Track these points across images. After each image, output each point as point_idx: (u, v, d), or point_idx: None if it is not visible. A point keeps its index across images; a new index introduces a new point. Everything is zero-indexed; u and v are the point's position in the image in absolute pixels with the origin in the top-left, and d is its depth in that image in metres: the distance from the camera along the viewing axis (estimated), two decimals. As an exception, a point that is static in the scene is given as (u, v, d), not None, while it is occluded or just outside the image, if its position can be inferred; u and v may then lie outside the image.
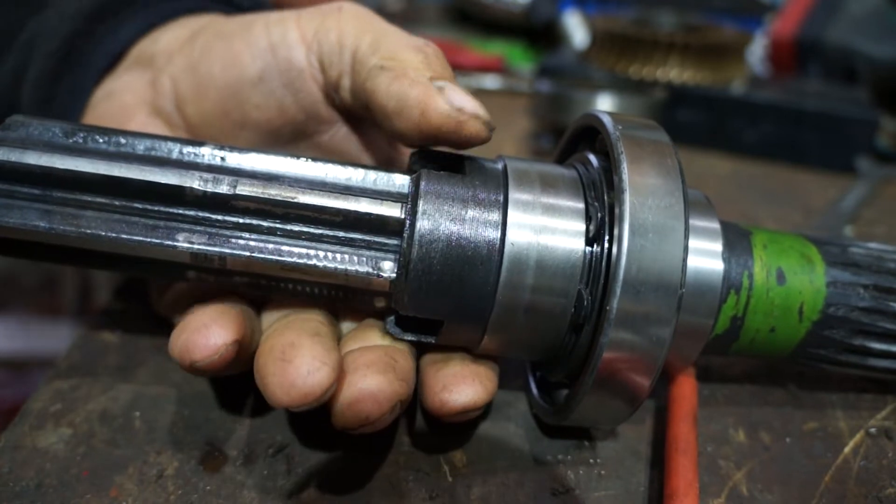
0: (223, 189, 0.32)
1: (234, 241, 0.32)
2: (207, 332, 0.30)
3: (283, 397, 0.27)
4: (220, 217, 0.32)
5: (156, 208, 0.32)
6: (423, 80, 0.33)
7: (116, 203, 0.32)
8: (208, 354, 0.29)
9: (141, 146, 0.33)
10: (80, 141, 0.33)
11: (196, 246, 0.31)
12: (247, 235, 0.32)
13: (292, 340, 0.29)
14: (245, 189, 0.32)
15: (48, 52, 0.39)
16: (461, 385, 0.33)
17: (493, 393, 0.33)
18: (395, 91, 0.33)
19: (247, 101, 0.37)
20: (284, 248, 0.32)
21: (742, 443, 0.38)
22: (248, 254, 0.31)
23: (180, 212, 0.32)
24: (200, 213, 0.32)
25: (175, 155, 0.33)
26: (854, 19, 0.88)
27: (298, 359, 0.28)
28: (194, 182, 0.31)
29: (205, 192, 0.31)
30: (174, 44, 0.39)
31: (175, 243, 0.31)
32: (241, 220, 0.32)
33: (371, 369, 0.30)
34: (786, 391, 0.42)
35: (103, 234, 0.31)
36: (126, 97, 0.39)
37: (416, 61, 0.34)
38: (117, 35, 0.40)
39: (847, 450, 0.38)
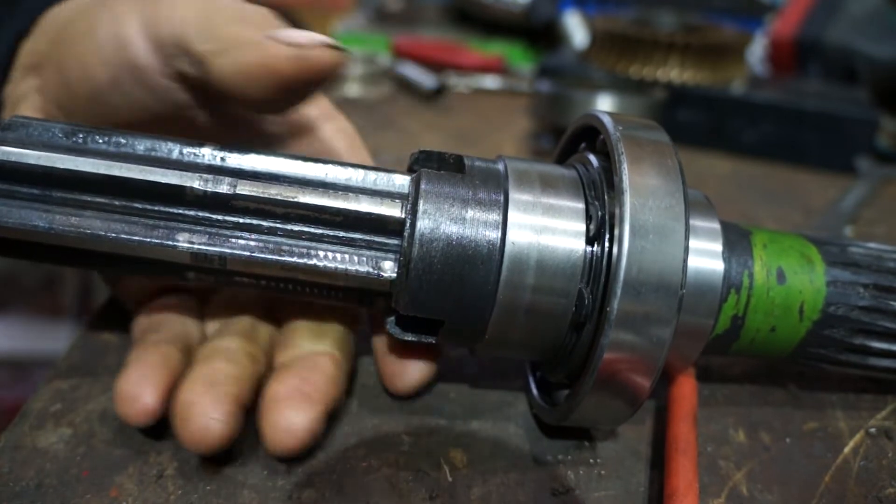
0: (223, 189, 0.32)
1: (234, 240, 0.32)
2: (136, 402, 0.32)
3: (195, 450, 0.32)
4: (220, 217, 0.32)
5: (156, 208, 0.32)
6: (256, 41, 0.33)
7: (116, 203, 0.32)
8: (143, 420, 0.33)
9: (141, 146, 0.33)
10: (80, 141, 0.33)
11: (196, 246, 0.31)
12: (247, 235, 0.32)
13: (189, 398, 0.32)
14: (245, 189, 0.32)
15: None
16: (408, 371, 0.37)
17: (436, 367, 0.38)
18: (237, 65, 0.32)
19: (112, 104, 0.36)
20: (284, 247, 0.32)
21: (742, 443, 0.38)
22: (248, 254, 0.31)
23: (180, 212, 0.32)
24: (201, 213, 0.32)
25: (175, 155, 0.33)
26: (854, 19, 0.88)
27: (192, 418, 0.31)
28: (194, 182, 0.31)
29: (205, 191, 0.31)
30: (49, 47, 0.38)
31: (175, 243, 0.31)
32: (241, 220, 0.32)
33: (283, 404, 0.32)
34: (786, 391, 0.42)
35: (103, 234, 0.31)
36: (24, 106, 0.39)
37: (243, 30, 0.33)
38: None
39: (847, 450, 0.38)
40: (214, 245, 0.31)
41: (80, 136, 0.33)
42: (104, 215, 0.31)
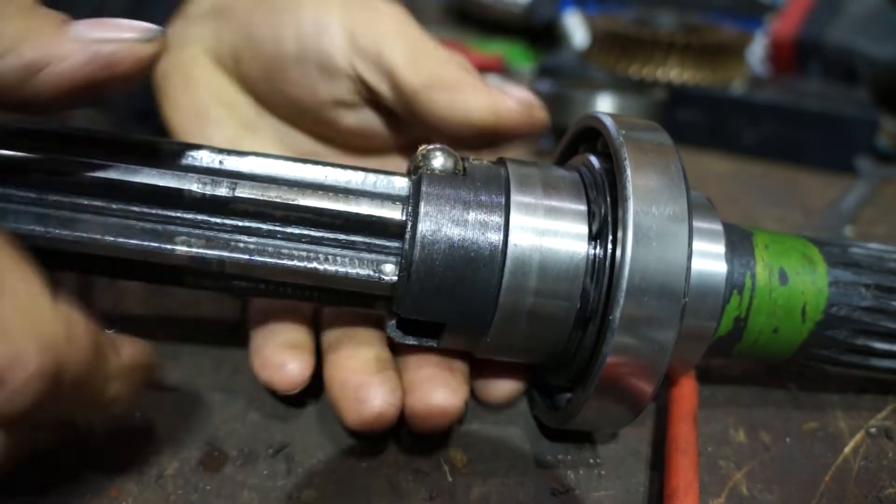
0: (222, 191, 0.31)
1: (233, 244, 0.31)
2: (285, 371, 0.34)
3: (363, 428, 0.33)
4: (218, 220, 0.32)
5: (154, 211, 0.31)
6: (484, 88, 0.36)
7: (114, 206, 0.31)
8: (289, 388, 0.35)
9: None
10: (77, 143, 0.33)
11: (194, 249, 0.31)
12: (246, 238, 0.32)
13: (362, 380, 0.33)
14: (244, 191, 0.31)
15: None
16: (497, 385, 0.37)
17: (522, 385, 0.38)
18: (461, 105, 0.36)
19: (286, 73, 0.39)
20: (284, 251, 0.32)
21: (742, 443, 0.38)
22: (247, 257, 0.31)
23: (178, 215, 0.32)
24: (199, 216, 0.32)
25: (173, 157, 0.33)
26: (854, 19, 0.88)
27: (371, 400, 0.32)
28: (193, 185, 0.31)
29: (203, 194, 0.31)
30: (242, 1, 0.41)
31: (173, 247, 0.31)
32: (240, 223, 0.32)
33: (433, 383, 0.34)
34: (786, 391, 0.42)
35: (100, 237, 0.30)
36: (194, 48, 0.41)
37: (463, 74, 0.37)
38: None
39: (847, 450, 0.38)
40: (213, 249, 0.31)
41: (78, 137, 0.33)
42: (101, 219, 0.31)
